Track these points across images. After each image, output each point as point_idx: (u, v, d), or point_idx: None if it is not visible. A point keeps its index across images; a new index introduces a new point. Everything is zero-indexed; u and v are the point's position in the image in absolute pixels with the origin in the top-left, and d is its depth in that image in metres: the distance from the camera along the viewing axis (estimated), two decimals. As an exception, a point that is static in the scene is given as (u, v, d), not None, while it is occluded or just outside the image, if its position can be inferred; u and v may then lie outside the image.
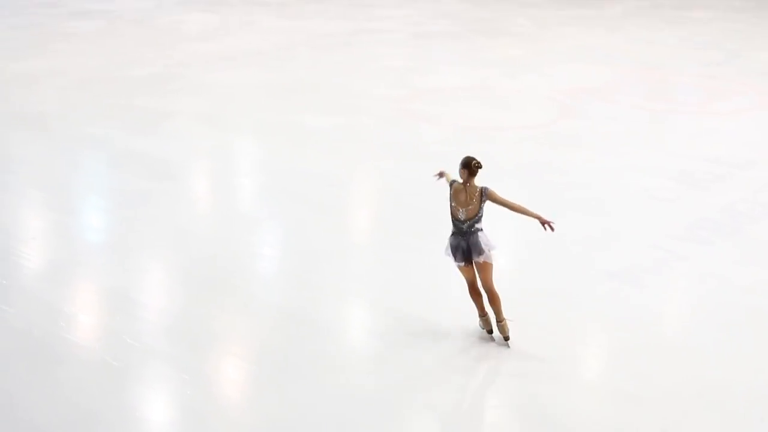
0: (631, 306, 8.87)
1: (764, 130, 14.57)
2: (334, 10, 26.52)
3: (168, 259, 10.08)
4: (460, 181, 7.81)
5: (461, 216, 7.80)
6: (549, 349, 8.03)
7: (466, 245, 7.80)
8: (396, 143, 13.90)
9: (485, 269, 7.87)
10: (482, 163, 7.75)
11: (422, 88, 17.24)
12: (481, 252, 7.77)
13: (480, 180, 7.88)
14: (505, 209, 7.81)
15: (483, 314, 8.15)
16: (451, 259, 7.94)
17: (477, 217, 7.77)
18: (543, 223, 7.77)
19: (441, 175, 8.30)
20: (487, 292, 7.96)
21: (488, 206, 7.80)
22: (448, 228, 7.97)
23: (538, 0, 29.09)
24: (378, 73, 18.51)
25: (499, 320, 8.02)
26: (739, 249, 10.19)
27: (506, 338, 8.02)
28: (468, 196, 7.76)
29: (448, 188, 7.88)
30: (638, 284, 9.32)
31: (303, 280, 9.45)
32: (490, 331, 8.16)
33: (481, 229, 7.80)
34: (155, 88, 16.91)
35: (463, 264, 7.88)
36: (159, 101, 15.96)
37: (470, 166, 7.74)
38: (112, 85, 16.94)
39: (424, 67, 19.12)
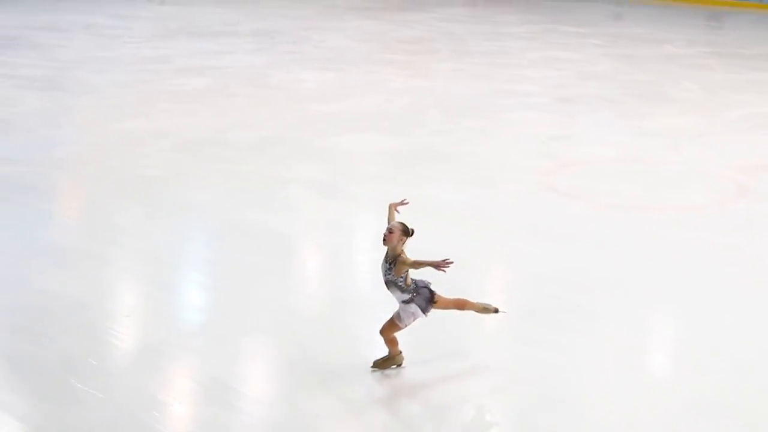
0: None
1: None
2: (469, 69, 26.72)
3: (275, 345, 10.19)
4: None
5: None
6: None
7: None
8: (535, 222, 13.81)
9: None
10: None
11: (567, 159, 17.14)
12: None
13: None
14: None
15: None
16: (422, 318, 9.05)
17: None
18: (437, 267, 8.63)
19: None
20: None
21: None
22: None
23: (707, 61, 28.75)
24: (516, 141, 18.52)
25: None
26: None
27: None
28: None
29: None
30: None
31: (425, 372, 9.42)
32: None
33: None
34: (267, 153, 17.30)
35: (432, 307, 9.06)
36: (271, 168, 16.30)
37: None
38: (220, 149, 17.42)
39: (570, 135, 19.04)
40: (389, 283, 8.71)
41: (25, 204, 14.39)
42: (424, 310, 8.90)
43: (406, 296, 8.81)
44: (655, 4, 44.26)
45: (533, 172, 16.29)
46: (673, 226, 13.76)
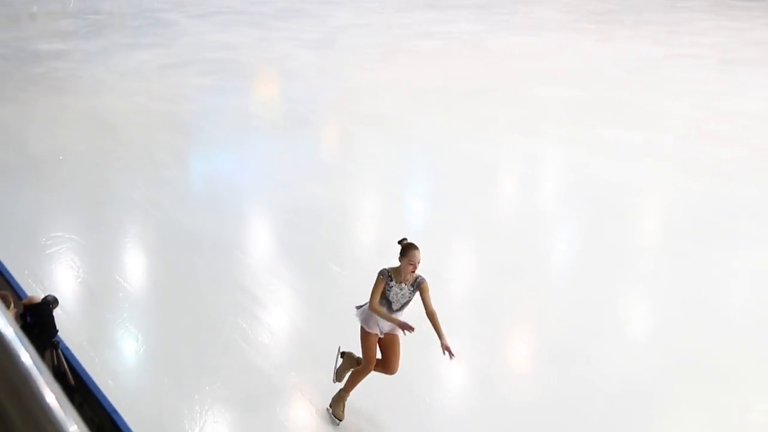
0: None
1: None
2: (647, 36, 25.52)
3: (477, 243, 10.25)
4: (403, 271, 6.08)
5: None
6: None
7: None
8: (694, 160, 13.18)
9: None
10: (405, 241, 6.12)
11: (725, 110, 16.18)
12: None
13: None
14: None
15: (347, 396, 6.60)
16: (373, 327, 6.29)
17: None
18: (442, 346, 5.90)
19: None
20: (390, 369, 6.46)
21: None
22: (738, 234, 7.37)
23: None
24: (682, 94, 17.61)
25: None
26: None
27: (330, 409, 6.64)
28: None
29: (389, 282, 6.14)
30: None
31: (597, 274, 9.25)
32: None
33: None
34: (481, 99, 17.20)
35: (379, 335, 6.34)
36: (482, 111, 16.20)
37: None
38: (443, 95, 17.43)
39: (729, 90, 17.92)
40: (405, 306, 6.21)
41: (301, 133, 14.93)
42: None
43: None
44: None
45: (695, 119, 15.51)
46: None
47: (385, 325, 6.19)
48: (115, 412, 5.07)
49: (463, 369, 7.42)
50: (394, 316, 6.09)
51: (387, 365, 6.35)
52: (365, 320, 6.22)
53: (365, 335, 6.25)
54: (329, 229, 10.46)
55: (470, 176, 12.45)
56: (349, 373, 6.64)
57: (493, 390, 7.15)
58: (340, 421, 6.52)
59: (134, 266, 9.71)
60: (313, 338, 7.90)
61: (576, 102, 16.90)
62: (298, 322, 8.34)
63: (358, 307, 6.39)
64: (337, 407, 6.55)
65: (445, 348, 5.83)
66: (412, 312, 6.23)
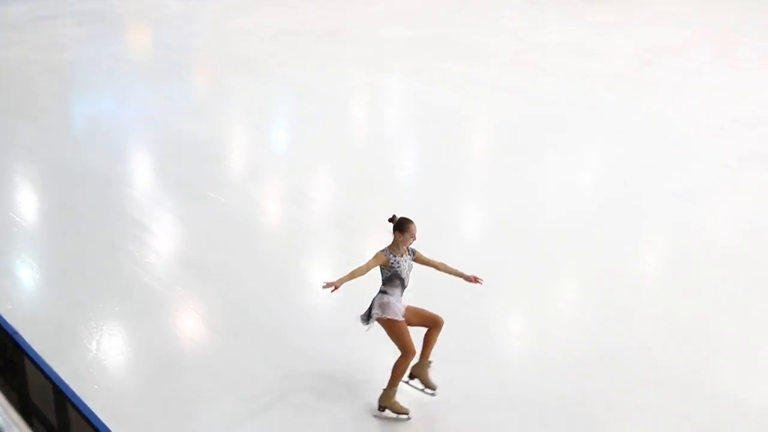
0: (687, 218, 8.45)
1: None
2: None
3: (335, 167, 10.16)
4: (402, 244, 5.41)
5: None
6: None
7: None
8: (513, 86, 13.39)
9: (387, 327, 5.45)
10: (395, 217, 5.45)
11: (535, 42, 16.48)
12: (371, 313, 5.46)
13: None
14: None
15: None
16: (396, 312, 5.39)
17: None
18: (468, 280, 5.55)
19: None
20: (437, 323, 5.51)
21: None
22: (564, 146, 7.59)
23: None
24: (499, 30, 17.74)
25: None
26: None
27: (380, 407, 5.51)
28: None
29: (393, 257, 5.38)
30: (695, 200, 8.89)
31: (437, 187, 9.37)
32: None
33: (382, 291, 5.44)
34: (332, 40, 16.80)
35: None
36: (332, 50, 15.86)
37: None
38: (299, 38, 16.93)
39: (538, 26, 18.18)
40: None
41: (174, 77, 14.16)
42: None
43: None
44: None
45: (511, 51, 15.70)
46: (605, 86, 13.30)
47: (400, 304, 5.39)
48: (16, 333, 4.75)
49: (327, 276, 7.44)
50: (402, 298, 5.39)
51: (433, 321, 5.46)
52: (388, 311, 5.34)
53: (394, 325, 5.35)
54: (205, 161, 10.09)
55: (325, 109, 12.26)
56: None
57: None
58: (408, 414, 5.44)
59: (26, 203, 9.11)
60: (198, 258, 7.67)
61: (414, 40, 16.79)
62: (182, 244, 8.09)
63: (365, 315, 5.44)
64: (393, 404, 5.45)
65: (472, 279, 5.50)
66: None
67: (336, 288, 5.18)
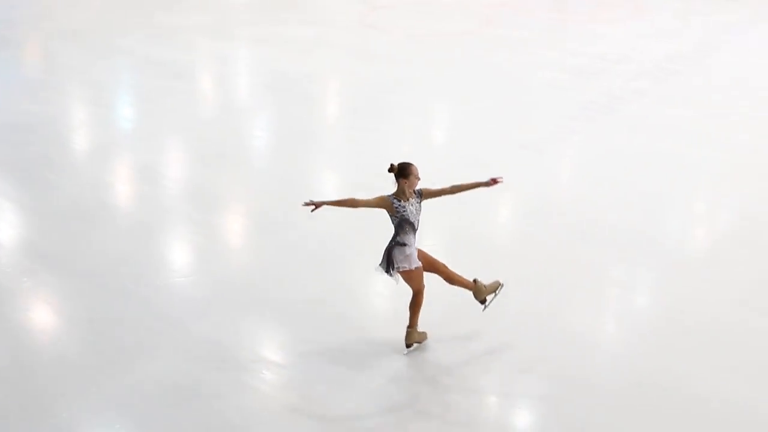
0: (536, 169, 8.88)
1: (636, 33, 14.21)
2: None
3: (185, 140, 9.84)
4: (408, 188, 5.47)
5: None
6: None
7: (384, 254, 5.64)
8: (356, 48, 13.40)
9: (407, 279, 5.64)
10: (394, 166, 5.47)
11: (378, 4, 16.53)
12: (393, 266, 5.58)
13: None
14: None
15: (473, 286, 5.83)
16: (407, 268, 5.54)
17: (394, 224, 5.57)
18: (488, 185, 5.62)
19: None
20: (414, 297, 5.73)
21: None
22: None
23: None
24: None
25: (410, 326, 5.78)
26: (617, 123, 10.20)
27: (408, 345, 5.79)
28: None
29: (397, 202, 5.45)
30: (545, 152, 9.34)
31: (290, 153, 9.29)
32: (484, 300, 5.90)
33: (399, 244, 5.51)
34: (173, 8, 16.05)
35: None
36: (172, 18, 15.18)
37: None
38: (132, 8, 16.03)
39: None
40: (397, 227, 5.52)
41: (1, 54, 13.11)
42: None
43: None
44: None
45: (356, 13, 15.64)
46: (449, 44, 13.53)
47: (415, 250, 5.49)
48: None
49: (187, 248, 7.25)
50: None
51: (445, 271, 5.70)
52: (408, 261, 5.45)
53: (413, 273, 5.51)
54: (42, 142, 9.48)
55: (170, 81, 11.77)
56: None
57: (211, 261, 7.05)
58: (425, 336, 5.80)
59: None
60: (46, 246, 7.24)
61: (257, 5, 16.40)
62: (23, 229, 7.61)
63: (385, 265, 5.48)
64: (418, 336, 5.74)
65: (491, 182, 5.53)
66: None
67: (316, 207, 5.30)
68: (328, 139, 9.90)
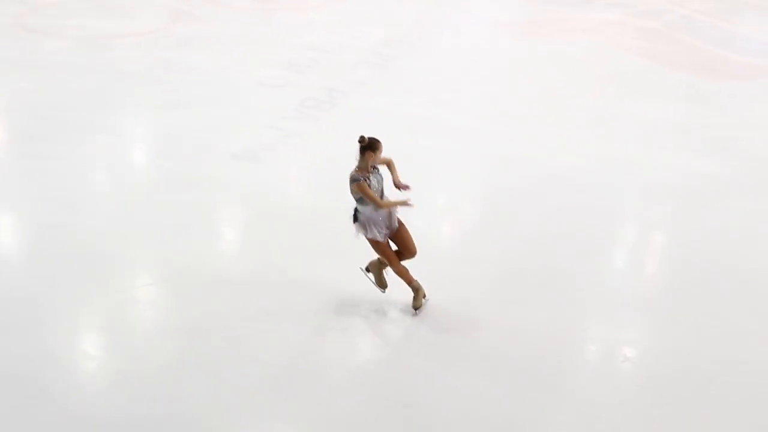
0: (255, 179, 9.77)
1: (349, 17, 15.60)
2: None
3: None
4: (371, 163, 7.05)
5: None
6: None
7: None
8: (15, 60, 13.34)
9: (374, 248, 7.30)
10: (366, 138, 7.01)
11: (39, 3, 16.27)
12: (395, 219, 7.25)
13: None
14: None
15: (414, 282, 7.48)
16: (377, 235, 7.16)
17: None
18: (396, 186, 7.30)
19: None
20: (410, 253, 7.42)
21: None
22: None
23: None
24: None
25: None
26: (339, 120, 11.37)
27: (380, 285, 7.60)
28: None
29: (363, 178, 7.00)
30: (259, 160, 10.21)
31: None
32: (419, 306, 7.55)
33: (360, 212, 7.17)
34: None
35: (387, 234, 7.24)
36: None
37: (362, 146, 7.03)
38: None
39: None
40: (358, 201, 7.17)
41: None
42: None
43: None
44: None
45: (9, 15, 15.32)
46: (132, 47, 13.98)
47: (383, 224, 7.12)
48: None
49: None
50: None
51: (407, 251, 7.33)
52: (367, 230, 7.10)
53: (374, 243, 7.17)
54: None
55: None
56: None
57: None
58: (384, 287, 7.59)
59: None
60: None
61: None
62: None
63: (354, 219, 7.14)
64: (417, 298, 7.46)
65: (402, 187, 7.23)
66: None
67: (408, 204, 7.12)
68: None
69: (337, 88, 12.36)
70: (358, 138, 7.01)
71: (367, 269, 7.61)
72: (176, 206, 9.10)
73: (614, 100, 12.39)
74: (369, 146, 6.99)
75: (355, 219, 7.17)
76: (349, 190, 7.06)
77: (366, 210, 7.09)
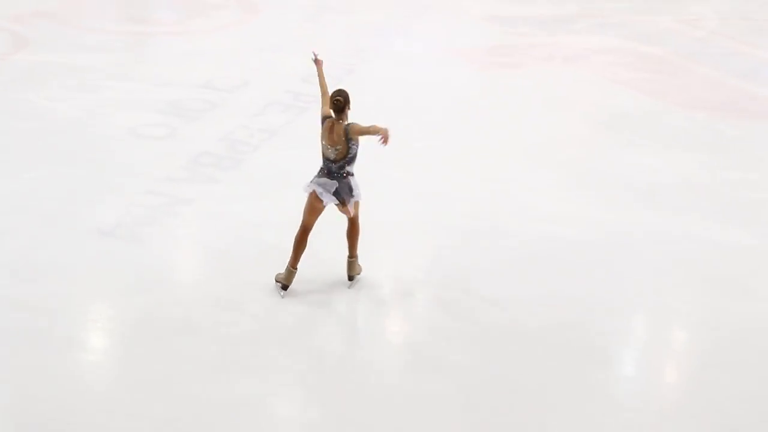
0: (133, 265, 9.11)
1: (251, 45, 15.41)
2: None
3: None
4: (334, 116, 8.23)
5: (331, 156, 8.27)
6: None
7: (336, 187, 8.33)
8: None
9: (356, 208, 8.53)
10: (348, 98, 8.19)
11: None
12: (353, 194, 8.38)
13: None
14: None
15: (295, 267, 8.62)
16: (316, 194, 8.34)
17: (347, 159, 8.25)
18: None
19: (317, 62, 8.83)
20: (354, 227, 8.66)
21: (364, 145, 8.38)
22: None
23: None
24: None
25: (352, 257, 8.80)
26: (244, 182, 10.89)
27: (351, 278, 8.86)
28: (337, 135, 8.17)
29: (320, 123, 8.34)
30: (137, 240, 9.58)
31: None
32: (286, 287, 8.64)
33: (352, 174, 8.33)
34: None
35: (334, 203, 8.42)
36: None
37: (332, 102, 8.19)
38: None
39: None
40: (350, 162, 8.38)
41: None
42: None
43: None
44: None
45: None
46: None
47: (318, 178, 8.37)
48: None
49: None
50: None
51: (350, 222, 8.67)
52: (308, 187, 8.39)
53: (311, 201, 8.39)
54: None
55: None
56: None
57: None
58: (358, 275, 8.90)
59: None
60: None
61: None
62: None
63: (348, 193, 8.31)
64: (359, 267, 8.88)
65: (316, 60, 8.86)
66: None
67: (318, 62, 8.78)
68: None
69: (242, 138, 11.94)
70: (333, 99, 8.14)
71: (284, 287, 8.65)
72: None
73: (607, 150, 12.20)
74: (345, 102, 8.17)
75: (350, 190, 8.34)
76: (347, 150, 8.19)
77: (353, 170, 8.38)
